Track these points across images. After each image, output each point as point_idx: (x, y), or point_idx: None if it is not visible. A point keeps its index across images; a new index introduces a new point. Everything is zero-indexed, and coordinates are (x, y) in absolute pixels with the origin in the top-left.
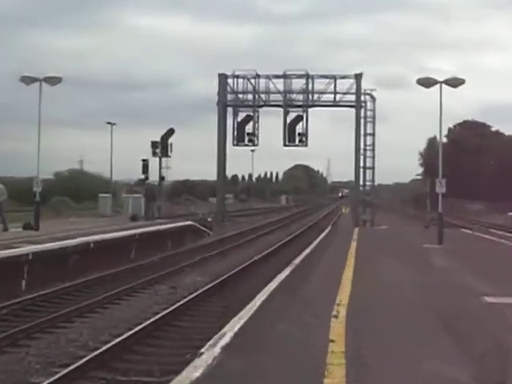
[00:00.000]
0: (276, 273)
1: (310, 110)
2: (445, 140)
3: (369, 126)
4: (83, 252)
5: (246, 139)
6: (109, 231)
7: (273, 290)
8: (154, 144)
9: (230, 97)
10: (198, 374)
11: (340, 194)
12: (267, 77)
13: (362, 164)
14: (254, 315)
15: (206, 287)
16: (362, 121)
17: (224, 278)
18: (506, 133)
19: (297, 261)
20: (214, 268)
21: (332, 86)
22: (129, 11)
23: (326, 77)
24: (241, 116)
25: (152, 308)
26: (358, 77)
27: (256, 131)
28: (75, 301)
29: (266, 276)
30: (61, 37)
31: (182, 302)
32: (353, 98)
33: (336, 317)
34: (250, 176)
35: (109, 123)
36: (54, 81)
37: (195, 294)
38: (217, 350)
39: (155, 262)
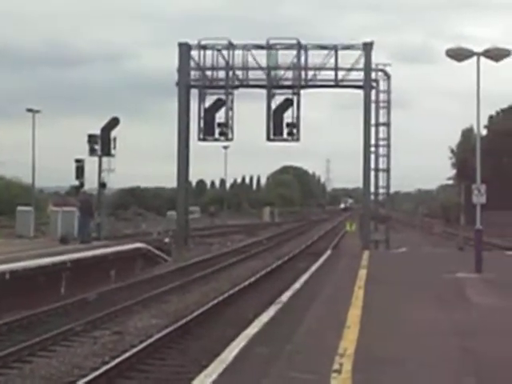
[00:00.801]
0: (256, 313)
1: (302, 91)
2: (484, 132)
3: (382, 113)
4: None
5: (217, 132)
6: (31, 257)
7: (252, 336)
8: (91, 138)
9: (194, 75)
10: None
11: (342, 206)
12: (244, 47)
13: (373, 165)
14: (226, 372)
15: (162, 333)
16: (373, 106)
17: (186, 320)
18: None
19: (284, 297)
20: (173, 307)
21: (332, 59)
22: None
23: (324, 47)
24: (209, 100)
25: (88, 361)
26: (368, 47)
27: (230, 121)
28: None
29: (242, 318)
30: None
31: (129, 353)
32: (360, 75)
33: (338, 372)
34: (223, 182)
35: (30, 110)
36: None
37: (148, 342)
38: None
39: (94, 298)
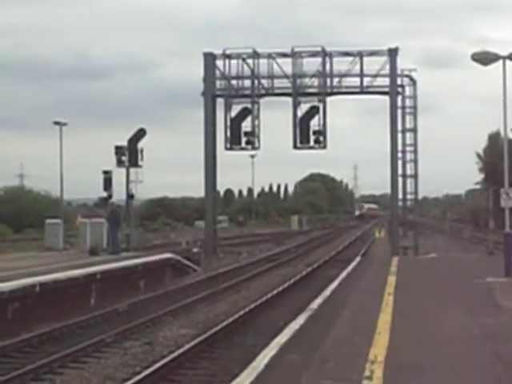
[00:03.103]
0: (286, 321)
1: (328, 99)
2: None
3: (408, 119)
4: (26, 298)
5: (244, 141)
6: (60, 269)
7: (283, 344)
8: (118, 150)
9: (220, 84)
10: None
11: (357, 213)
12: (269, 56)
13: (400, 171)
14: (258, 380)
15: (192, 343)
16: (400, 112)
17: (216, 329)
18: None
19: (314, 305)
20: (203, 317)
21: (358, 66)
22: None
23: (349, 54)
24: (235, 110)
25: (119, 372)
26: (393, 53)
27: (256, 130)
28: (17, 364)
29: (273, 326)
30: None
31: (160, 364)
32: (386, 81)
33: (369, 378)
34: (250, 191)
35: (57, 123)
36: None
37: (178, 352)
38: None
39: (124, 309)
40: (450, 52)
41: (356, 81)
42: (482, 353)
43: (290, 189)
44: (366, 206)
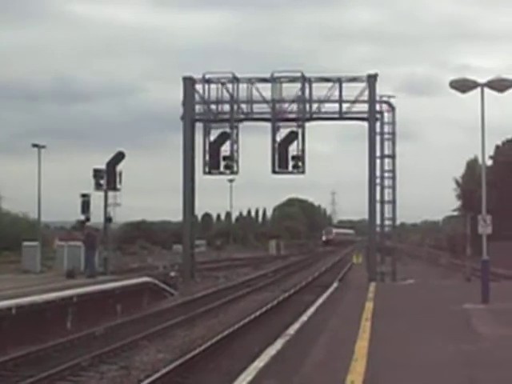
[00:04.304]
0: (263, 347)
1: (307, 124)
2: (490, 162)
3: (387, 145)
4: (2, 320)
5: (222, 165)
6: (37, 292)
7: (260, 369)
8: (97, 173)
9: (199, 108)
10: None
11: (324, 238)
12: (249, 80)
13: (378, 197)
14: None
15: (169, 367)
16: (378, 138)
17: (193, 354)
18: None
19: (291, 330)
20: (180, 341)
21: (337, 91)
22: None
23: (328, 80)
24: (214, 134)
25: None
26: (372, 79)
27: (235, 154)
28: None
29: (250, 351)
30: None
31: None
32: (365, 107)
33: None
34: (228, 215)
35: (35, 146)
36: None
37: (154, 376)
38: None
39: (100, 333)
40: (431, 79)
41: (335, 106)
42: (458, 378)
43: (269, 213)
44: (335, 230)
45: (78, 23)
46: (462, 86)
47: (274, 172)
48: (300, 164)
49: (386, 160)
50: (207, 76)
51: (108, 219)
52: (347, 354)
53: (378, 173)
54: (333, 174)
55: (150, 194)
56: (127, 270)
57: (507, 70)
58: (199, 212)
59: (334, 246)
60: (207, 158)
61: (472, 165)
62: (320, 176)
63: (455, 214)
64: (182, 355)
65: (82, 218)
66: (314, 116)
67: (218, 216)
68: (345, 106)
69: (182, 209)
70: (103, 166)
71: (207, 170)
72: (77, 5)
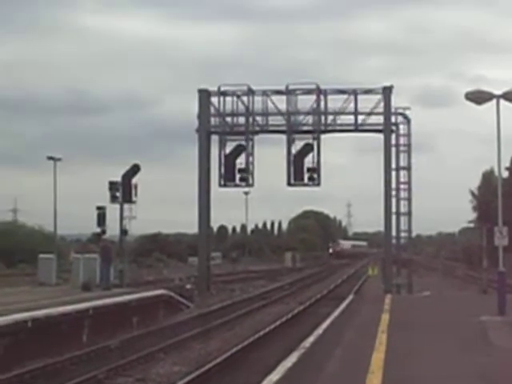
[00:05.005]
0: (279, 359)
1: (322, 136)
2: (506, 174)
3: (402, 157)
4: (19, 333)
5: (238, 178)
6: (53, 305)
7: (275, 382)
8: (112, 186)
9: (214, 121)
10: None
11: (331, 251)
12: (264, 93)
13: (394, 209)
14: None
15: (185, 380)
16: (394, 150)
17: (208, 367)
18: None
19: (306, 343)
20: (196, 354)
21: (352, 104)
22: (78, 8)
23: (343, 92)
24: (230, 146)
25: None
26: (387, 91)
27: (250, 166)
28: None
29: (265, 364)
30: None
31: None
32: (380, 119)
33: None
34: (244, 227)
35: (51, 158)
36: None
37: None
38: None
39: (116, 345)
40: (446, 91)
41: (350, 119)
42: None
43: (284, 226)
44: (344, 242)
45: (92, 36)
46: (478, 97)
47: (289, 184)
48: (315, 176)
49: (402, 172)
50: (222, 88)
51: (123, 232)
52: (363, 366)
53: (393, 185)
54: (348, 186)
55: (166, 206)
56: (143, 282)
57: None
58: (215, 224)
59: (342, 259)
60: (222, 170)
61: (488, 176)
62: (335, 188)
63: (471, 225)
64: (197, 368)
65: (98, 230)
66: (330, 128)
67: (234, 228)
68: (360, 117)
69: (198, 221)
70: (119, 179)
71: (222, 182)
72: (90, 17)
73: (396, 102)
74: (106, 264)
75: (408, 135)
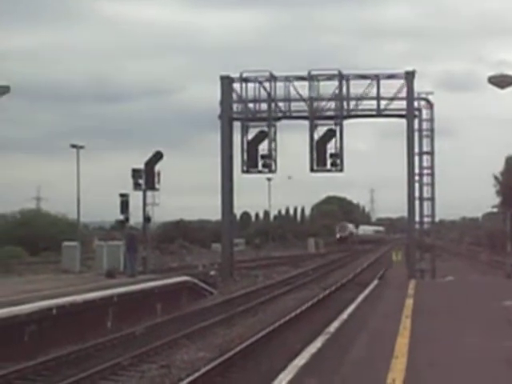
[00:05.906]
0: (303, 345)
1: (344, 122)
2: None
3: (425, 142)
4: (43, 321)
5: (260, 164)
6: (77, 292)
7: (300, 367)
8: (135, 173)
9: (237, 107)
10: None
11: (338, 236)
12: (286, 79)
13: (417, 194)
14: None
15: (209, 366)
16: (417, 135)
17: (233, 353)
18: None
19: (331, 328)
20: (220, 340)
21: (374, 89)
22: None
23: (365, 77)
24: (252, 133)
25: None
26: (410, 76)
27: (273, 153)
28: None
29: (290, 350)
30: (6, 32)
31: None
32: (403, 104)
33: None
34: (267, 213)
35: (74, 146)
36: None
37: (195, 375)
38: None
39: (140, 332)
40: (469, 75)
41: (373, 104)
42: (500, 375)
43: (307, 212)
44: (351, 226)
45: (117, 23)
46: (501, 81)
47: (312, 170)
48: (338, 162)
49: (425, 157)
50: (245, 75)
51: (147, 219)
52: (388, 351)
53: (416, 170)
54: (371, 171)
55: (189, 193)
56: (166, 269)
57: None
58: (238, 211)
59: (347, 245)
60: (245, 156)
61: (511, 161)
62: (358, 174)
63: (495, 210)
64: (221, 354)
65: (121, 217)
66: (352, 113)
67: (257, 215)
68: (383, 103)
69: (221, 208)
70: (141, 166)
71: (245, 168)
72: (112, 4)
73: (419, 86)
74: (132, 252)
75: (431, 120)
